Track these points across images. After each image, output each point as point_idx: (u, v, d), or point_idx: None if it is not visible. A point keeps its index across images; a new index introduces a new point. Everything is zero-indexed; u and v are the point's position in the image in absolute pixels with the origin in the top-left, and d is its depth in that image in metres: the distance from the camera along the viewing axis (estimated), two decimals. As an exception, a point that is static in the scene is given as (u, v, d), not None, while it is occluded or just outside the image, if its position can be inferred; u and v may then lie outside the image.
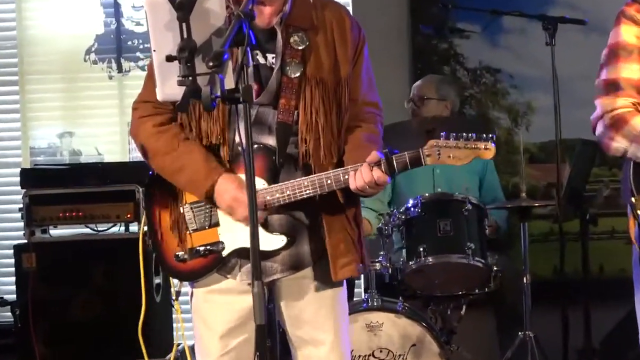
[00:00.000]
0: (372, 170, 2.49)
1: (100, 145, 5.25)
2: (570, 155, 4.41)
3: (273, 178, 2.55)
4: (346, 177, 2.52)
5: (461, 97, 4.72)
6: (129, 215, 4.31)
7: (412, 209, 3.89)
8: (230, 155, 2.58)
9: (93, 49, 5.25)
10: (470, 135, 2.46)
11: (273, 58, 2.56)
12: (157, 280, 4.30)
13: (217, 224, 2.62)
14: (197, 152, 2.58)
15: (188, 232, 2.62)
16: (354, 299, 4.12)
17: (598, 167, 4.79)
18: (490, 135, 2.47)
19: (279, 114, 2.55)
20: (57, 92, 5.23)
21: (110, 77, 5.26)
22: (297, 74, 2.55)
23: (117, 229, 4.46)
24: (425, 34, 5.05)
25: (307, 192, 2.52)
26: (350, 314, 3.61)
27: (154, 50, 2.34)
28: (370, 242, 4.28)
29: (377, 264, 3.81)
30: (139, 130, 2.66)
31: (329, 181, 2.52)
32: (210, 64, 2.18)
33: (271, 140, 2.57)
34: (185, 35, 2.23)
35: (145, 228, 2.69)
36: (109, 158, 5.21)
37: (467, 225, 3.86)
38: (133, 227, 4.39)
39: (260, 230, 2.52)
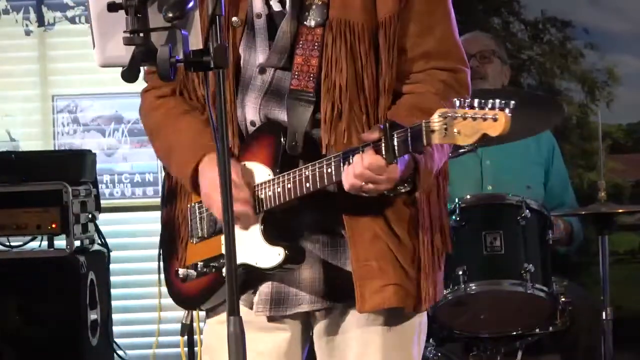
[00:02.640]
0: (362, 156, 2.40)
1: (14, 127, 5.24)
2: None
3: (285, 167, 2.53)
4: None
5: (517, 61, 4.73)
6: (53, 226, 4.31)
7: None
8: (239, 137, 2.59)
9: (4, -7, 5.27)
10: (483, 102, 2.34)
11: (290, 2, 2.55)
12: (94, 315, 4.30)
13: (221, 231, 2.55)
14: (188, 128, 2.61)
15: (192, 242, 2.66)
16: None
17: None
18: (512, 102, 2.37)
19: (293, 79, 2.53)
20: (-47, 54, 5.24)
21: (28, 33, 5.26)
22: (320, 21, 2.53)
23: (38, 244, 4.45)
24: (467, -26, 5.08)
25: (307, 185, 2.49)
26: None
27: (91, -4, 2.33)
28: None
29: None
30: (141, 108, 2.74)
31: (329, 170, 2.47)
32: (169, 14, 2.17)
33: (283, 115, 2.56)
34: (134, -26, 2.22)
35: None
36: (26, 146, 5.21)
37: (523, 239, 3.87)
38: (60, 242, 4.38)
39: (260, 239, 2.55)
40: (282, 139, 2.53)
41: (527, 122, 3.83)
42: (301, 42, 2.53)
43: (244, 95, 2.55)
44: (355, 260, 2.54)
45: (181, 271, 2.62)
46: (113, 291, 4.49)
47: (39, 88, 5.23)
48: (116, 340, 4.52)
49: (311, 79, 2.52)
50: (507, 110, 2.32)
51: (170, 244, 2.72)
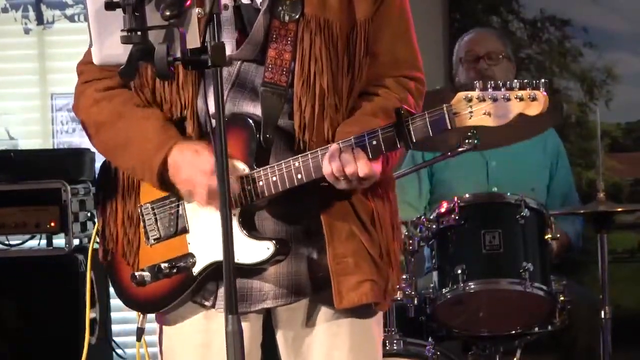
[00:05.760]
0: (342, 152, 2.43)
1: (13, 126, 5.25)
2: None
3: (258, 161, 2.53)
4: None
5: (516, 60, 4.73)
6: (52, 224, 4.30)
7: (447, 215, 3.88)
8: (199, 131, 2.58)
9: (3, -8, 5.26)
10: (511, 83, 2.39)
11: None
12: (93, 314, 4.29)
13: (185, 230, 2.61)
14: (152, 119, 2.59)
15: (149, 244, 2.63)
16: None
17: None
18: (543, 81, 2.39)
19: (266, 72, 2.54)
20: (-47, 52, 5.23)
21: (27, 31, 5.25)
22: (294, 16, 2.54)
23: (37, 242, 4.45)
24: (466, -28, 5.08)
25: (299, 177, 2.50)
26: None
27: (88, -6, 2.32)
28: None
29: (398, 292, 3.79)
30: (79, 99, 2.68)
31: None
32: (167, 13, 2.18)
33: (255, 108, 2.56)
34: (131, -28, 2.20)
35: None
36: (25, 144, 5.22)
37: (522, 238, 3.87)
38: (58, 241, 4.37)
39: (240, 235, 2.52)
40: (256, 132, 2.53)
41: (526, 122, 3.83)
42: (274, 36, 2.54)
43: (206, 86, 2.53)
44: (333, 257, 2.56)
45: (137, 275, 2.54)
46: (112, 289, 4.48)
47: (38, 86, 5.24)
48: (115, 338, 4.52)
49: (284, 72, 2.54)
50: (541, 90, 2.33)
51: (117, 248, 2.67)
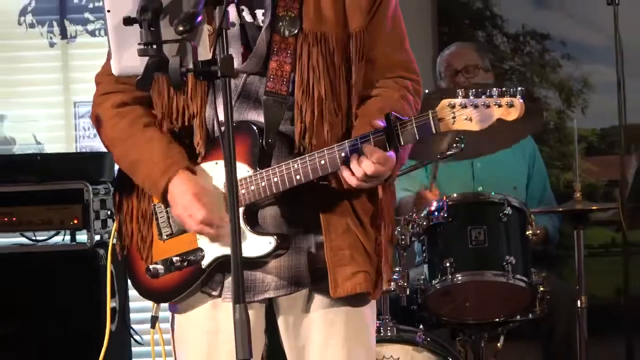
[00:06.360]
0: (364, 153, 2.46)
1: (39, 131, 5.29)
2: (638, 145, 4.44)
3: (261, 163, 2.58)
4: (343, 155, 2.50)
5: (500, 71, 4.76)
6: (75, 221, 4.33)
7: (436, 213, 3.93)
8: (206, 138, 2.63)
9: (29, 8, 5.28)
10: (490, 91, 2.41)
11: (263, 14, 2.61)
12: (112, 303, 4.32)
13: None
14: (157, 140, 2.64)
15: (161, 239, 2.67)
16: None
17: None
18: (520, 89, 2.41)
19: (268, 82, 2.58)
20: (-17, 64, 5.33)
21: (52, 45, 5.31)
22: (293, 31, 2.58)
23: (61, 238, 4.49)
24: (453, -10, 5.11)
25: (298, 178, 2.53)
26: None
27: (108, 11, 2.35)
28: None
29: (392, 283, 3.84)
30: (97, 110, 2.74)
31: (322, 162, 2.51)
32: (180, 28, 2.21)
33: (259, 116, 2.60)
34: (148, -9, 2.25)
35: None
36: (50, 148, 5.25)
37: (505, 234, 3.92)
38: (81, 237, 4.42)
39: (244, 231, 2.56)
40: (259, 137, 2.57)
41: (509, 131, 3.87)
42: (275, 50, 2.59)
43: (215, 97, 2.59)
44: (330, 249, 2.60)
45: (152, 267, 2.57)
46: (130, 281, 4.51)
47: (62, 95, 5.27)
48: (133, 325, 4.55)
49: (284, 82, 2.59)
50: (518, 97, 2.39)
51: (133, 244, 2.72)
